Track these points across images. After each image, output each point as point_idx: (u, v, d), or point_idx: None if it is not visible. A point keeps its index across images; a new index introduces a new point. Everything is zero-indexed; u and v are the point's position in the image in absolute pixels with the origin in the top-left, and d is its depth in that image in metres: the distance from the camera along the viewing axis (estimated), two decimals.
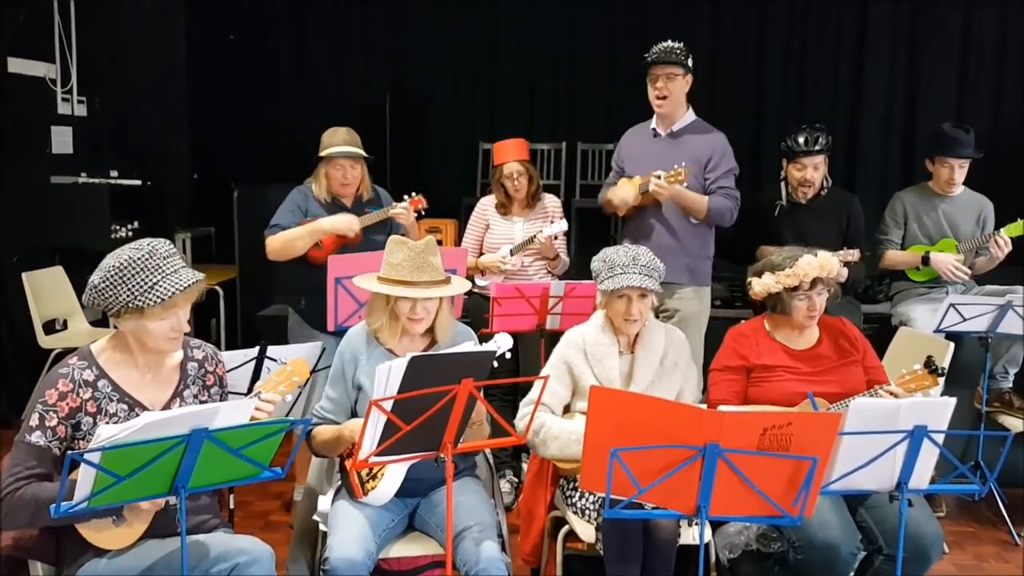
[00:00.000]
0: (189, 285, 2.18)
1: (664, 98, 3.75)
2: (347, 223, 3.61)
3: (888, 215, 4.24)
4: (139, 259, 2.16)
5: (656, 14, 6.56)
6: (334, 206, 3.72)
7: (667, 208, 3.76)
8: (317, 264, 3.62)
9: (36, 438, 2.14)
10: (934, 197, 4.17)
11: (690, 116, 3.87)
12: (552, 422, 2.83)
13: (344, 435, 2.52)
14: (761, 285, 2.92)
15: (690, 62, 3.76)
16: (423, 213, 3.84)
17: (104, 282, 2.16)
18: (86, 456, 1.87)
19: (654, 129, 3.89)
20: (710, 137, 3.82)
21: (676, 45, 3.74)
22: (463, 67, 6.91)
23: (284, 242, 3.62)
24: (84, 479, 1.91)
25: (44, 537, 2.24)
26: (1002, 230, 3.96)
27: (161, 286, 2.15)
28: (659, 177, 3.57)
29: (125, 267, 2.15)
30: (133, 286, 2.14)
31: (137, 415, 2.16)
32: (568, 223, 4.10)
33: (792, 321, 2.93)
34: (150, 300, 2.14)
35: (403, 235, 3.68)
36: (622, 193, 3.75)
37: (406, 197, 3.79)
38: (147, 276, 2.15)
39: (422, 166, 6.86)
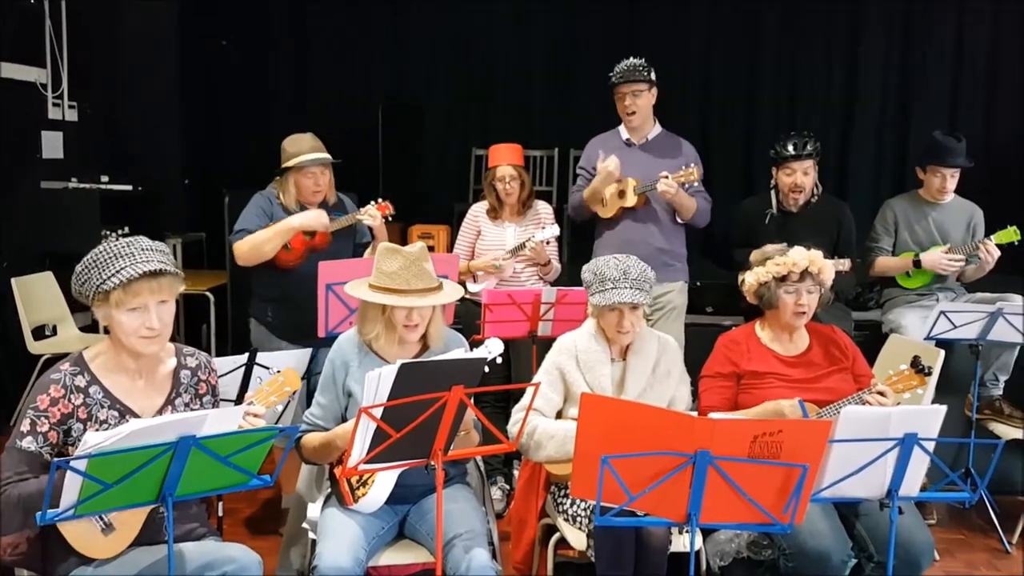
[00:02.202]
0: (151, 271, 2.13)
1: (633, 113, 3.99)
2: (315, 216, 3.59)
3: (879, 223, 4.25)
4: (116, 247, 2.17)
5: (649, 22, 6.57)
6: (299, 211, 3.69)
7: (656, 211, 3.98)
8: (286, 268, 3.60)
9: (27, 444, 2.13)
10: (924, 205, 4.18)
11: (658, 127, 4.11)
12: (545, 423, 2.82)
13: (335, 442, 2.51)
14: (753, 275, 2.94)
15: (653, 76, 3.98)
16: (391, 218, 3.84)
17: (81, 267, 2.18)
18: (72, 464, 1.86)
19: (627, 139, 4.08)
20: (682, 146, 4.08)
21: (638, 62, 3.96)
22: (457, 73, 6.91)
23: (253, 246, 3.57)
24: (71, 486, 1.89)
25: (31, 545, 2.23)
26: (992, 237, 3.97)
27: (125, 270, 2.14)
28: (667, 177, 3.79)
29: (100, 253, 2.17)
30: (102, 270, 2.15)
31: (128, 422, 2.15)
32: (560, 229, 4.11)
33: (781, 320, 2.93)
34: (112, 282, 2.12)
35: (368, 243, 3.70)
36: (605, 164, 3.90)
37: (373, 203, 3.79)
38: (116, 262, 2.15)
39: (415, 172, 6.85)
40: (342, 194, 3.86)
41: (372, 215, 3.73)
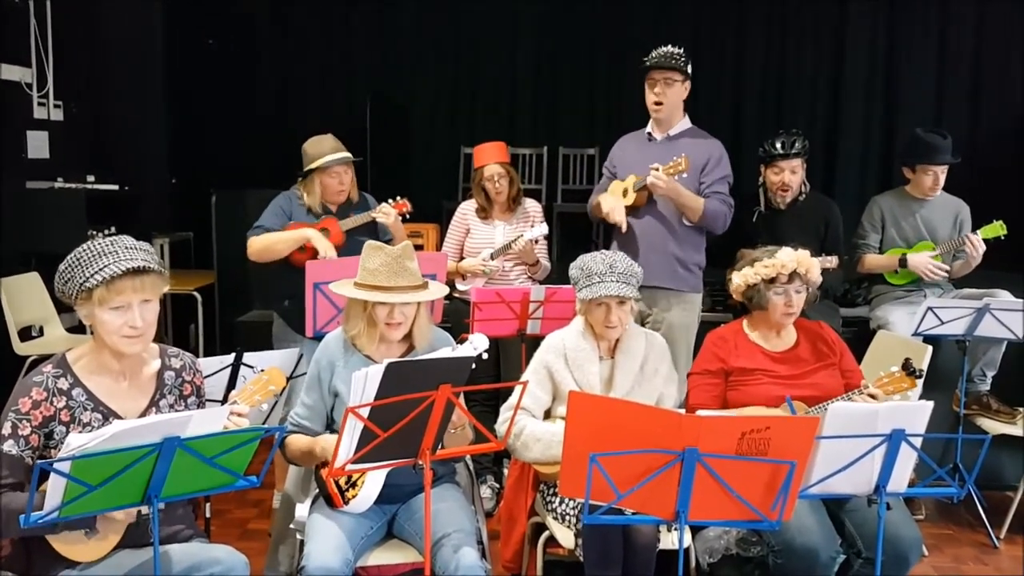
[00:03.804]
0: (134, 268, 2.12)
1: (660, 104, 3.71)
2: (324, 248, 3.58)
3: (865, 219, 4.26)
4: (99, 245, 2.15)
5: (636, 20, 6.57)
6: (321, 211, 3.70)
7: (661, 210, 3.73)
8: (301, 266, 3.60)
9: (8, 447, 2.10)
10: (911, 201, 4.19)
11: (686, 123, 3.84)
12: (533, 425, 2.82)
13: (316, 452, 2.51)
14: (741, 277, 2.94)
15: (689, 68, 3.72)
16: (408, 216, 3.83)
17: (64, 265, 2.16)
18: (55, 466, 1.84)
19: (649, 134, 3.86)
20: (707, 143, 3.80)
21: (676, 51, 3.67)
22: (444, 72, 6.90)
23: (267, 244, 3.61)
24: (54, 489, 1.87)
25: (15, 549, 2.21)
26: (978, 232, 3.98)
27: (109, 267, 2.12)
28: (657, 169, 3.53)
29: (84, 251, 2.15)
30: (85, 268, 2.13)
31: (112, 424, 2.13)
32: (549, 227, 4.10)
33: (769, 319, 2.94)
34: (95, 279, 2.11)
35: (389, 240, 3.69)
36: (611, 202, 3.73)
37: (390, 201, 3.79)
38: (99, 259, 2.13)
39: (403, 171, 6.84)
40: (365, 193, 3.87)
41: (386, 212, 3.74)
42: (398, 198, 3.82)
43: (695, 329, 3.78)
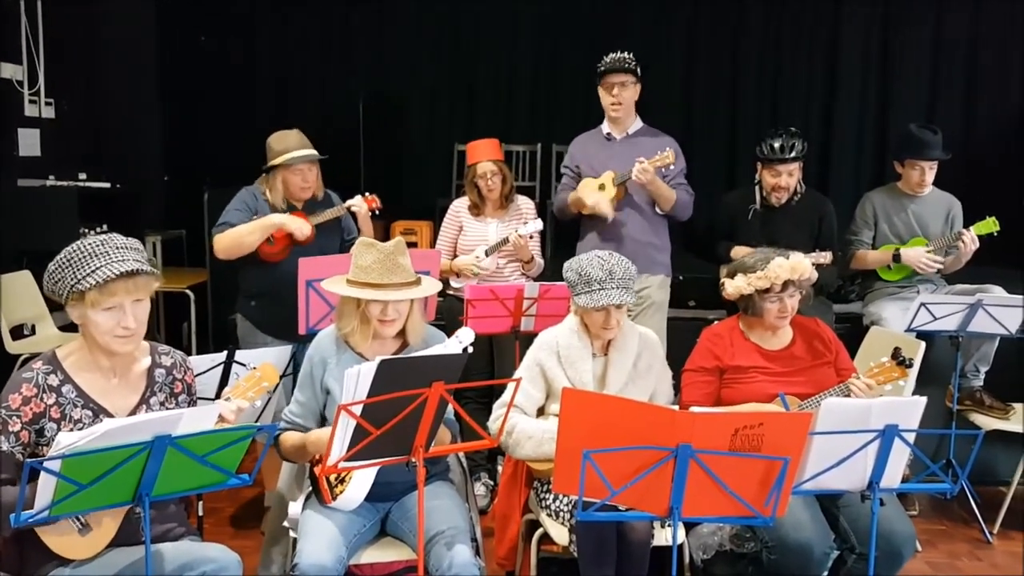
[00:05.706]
0: (127, 271, 2.11)
1: (619, 104, 3.98)
2: (299, 225, 3.56)
3: (858, 216, 4.27)
4: (89, 245, 2.14)
5: (634, 18, 6.57)
6: (286, 207, 3.66)
7: (637, 203, 3.98)
8: (269, 261, 3.57)
9: None
10: (903, 197, 4.20)
11: (639, 122, 4.11)
12: (525, 422, 2.81)
13: (308, 447, 2.51)
14: (733, 287, 2.93)
15: (639, 71, 4.00)
16: (377, 213, 3.82)
17: (55, 265, 2.16)
18: (46, 464, 1.83)
19: (608, 134, 4.09)
20: (663, 140, 4.04)
21: (627, 55, 3.97)
22: (439, 68, 6.87)
23: (234, 238, 3.53)
24: (45, 487, 1.87)
25: (7, 547, 2.20)
26: (971, 228, 3.99)
27: (101, 270, 2.11)
28: (643, 162, 3.78)
29: (74, 251, 2.14)
30: (77, 270, 2.12)
31: (102, 422, 2.12)
32: (543, 224, 4.10)
33: (764, 322, 2.94)
34: (87, 282, 2.10)
35: (354, 238, 3.69)
36: (595, 196, 3.95)
37: (358, 196, 3.78)
38: (91, 261, 2.12)
39: (397, 168, 6.82)
40: (329, 191, 3.84)
41: (359, 205, 3.74)
42: (367, 194, 3.82)
43: (666, 304, 4.14)
